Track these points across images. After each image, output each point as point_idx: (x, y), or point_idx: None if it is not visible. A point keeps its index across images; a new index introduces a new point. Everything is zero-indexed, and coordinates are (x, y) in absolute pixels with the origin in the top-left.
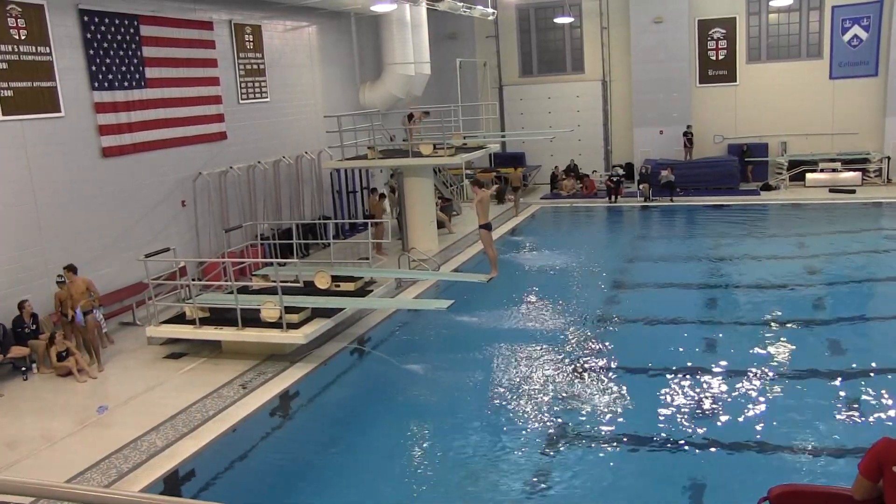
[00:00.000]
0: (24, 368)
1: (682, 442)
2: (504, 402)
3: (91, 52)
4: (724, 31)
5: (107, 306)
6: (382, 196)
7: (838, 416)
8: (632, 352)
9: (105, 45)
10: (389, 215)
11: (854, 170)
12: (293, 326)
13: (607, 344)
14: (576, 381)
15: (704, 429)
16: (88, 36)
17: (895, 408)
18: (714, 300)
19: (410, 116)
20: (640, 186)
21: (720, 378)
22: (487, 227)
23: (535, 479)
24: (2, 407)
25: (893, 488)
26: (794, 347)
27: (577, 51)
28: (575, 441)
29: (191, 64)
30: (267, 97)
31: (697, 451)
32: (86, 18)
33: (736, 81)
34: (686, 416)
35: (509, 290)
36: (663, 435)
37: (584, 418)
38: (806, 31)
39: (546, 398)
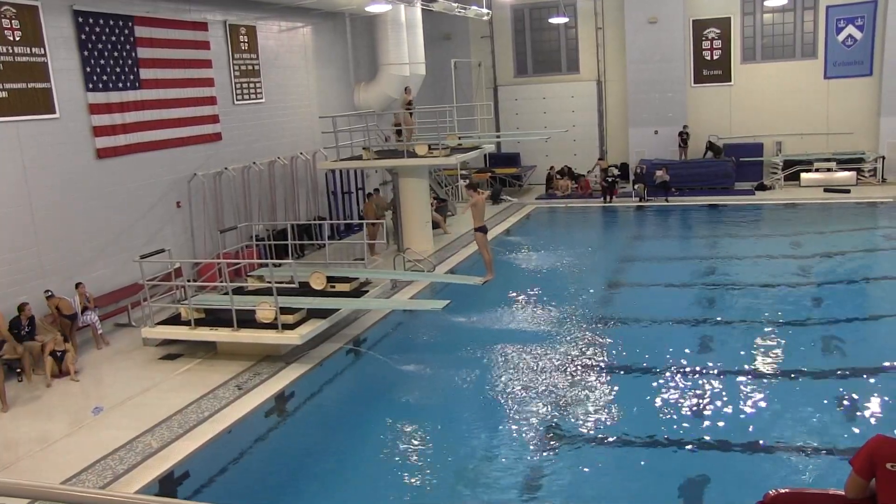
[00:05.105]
0: (18, 370)
1: (678, 443)
2: (500, 403)
3: (86, 53)
4: (718, 31)
5: (102, 307)
6: (370, 195)
7: (836, 417)
8: (628, 352)
9: (100, 46)
10: (383, 216)
11: (849, 169)
12: (288, 327)
13: (603, 344)
14: (572, 381)
15: (700, 430)
16: (83, 37)
17: (893, 407)
18: (709, 300)
19: (407, 89)
20: (636, 186)
21: (716, 378)
22: (482, 229)
23: (531, 480)
24: None
25: (887, 487)
26: (789, 347)
27: (572, 51)
28: (571, 441)
29: (185, 65)
30: (262, 98)
31: (693, 452)
32: (80, 19)
33: (731, 81)
34: (682, 417)
35: (505, 290)
36: (659, 436)
37: (580, 419)
38: (800, 31)
39: (542, 398)
